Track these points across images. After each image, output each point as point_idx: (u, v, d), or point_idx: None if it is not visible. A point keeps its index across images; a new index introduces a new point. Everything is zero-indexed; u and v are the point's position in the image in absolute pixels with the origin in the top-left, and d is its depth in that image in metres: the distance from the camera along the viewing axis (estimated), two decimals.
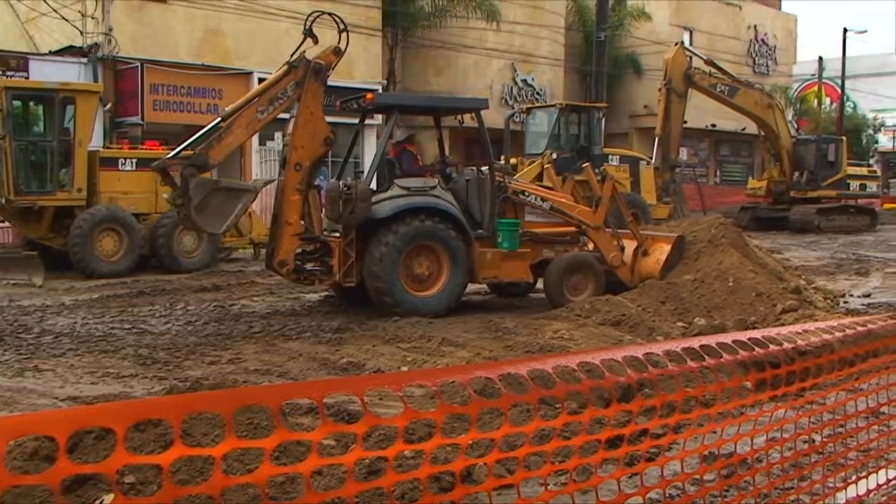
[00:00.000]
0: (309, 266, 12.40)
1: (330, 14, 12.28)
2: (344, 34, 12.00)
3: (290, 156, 11.93)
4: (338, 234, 12.14)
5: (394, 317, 11.44)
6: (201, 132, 11.83)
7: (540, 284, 13.27)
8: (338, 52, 12.12)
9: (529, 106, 28.25)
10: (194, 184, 11.25)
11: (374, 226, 11.89)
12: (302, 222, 12.02)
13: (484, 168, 13.09)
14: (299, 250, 12.22)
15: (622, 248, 13.29)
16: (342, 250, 11.95)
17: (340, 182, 12.08)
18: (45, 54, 25.40)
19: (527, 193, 13.21)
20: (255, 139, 27.35)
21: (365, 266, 11.91)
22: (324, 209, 12.52)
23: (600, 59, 34.20)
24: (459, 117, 13.76)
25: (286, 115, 12.24)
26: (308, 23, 12.07)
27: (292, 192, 11.85)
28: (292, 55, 11.91)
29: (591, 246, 13.52)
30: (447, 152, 14.40)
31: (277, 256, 11.94)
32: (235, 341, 10.18)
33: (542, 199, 13.23)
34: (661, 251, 13.40)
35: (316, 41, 12.04)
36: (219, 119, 11.87)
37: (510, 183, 13.32)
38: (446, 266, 12.24)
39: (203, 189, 11.36)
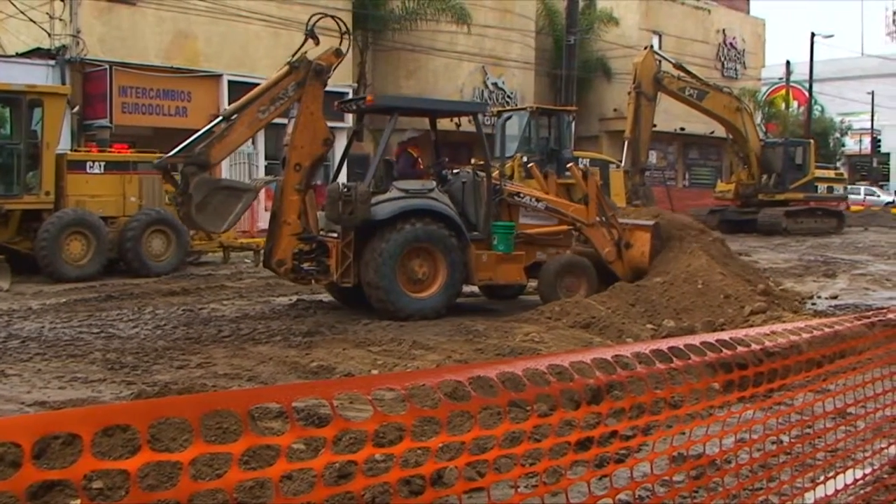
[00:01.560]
0: (305, 266, 12.41)
1: (332, 17, 12.43)
2: (345, 37, 12.28)
3: (289, 156, 12.02)
4: (335, 235, 12.22)
5: (363, 319, 11.44)
6: (202, 131, 11.92)
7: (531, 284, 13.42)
8: (339, 54, 12.31)
9: (500, 109, 28.29)
10: (195, 182, 11.30)
11: (372, 227, 11.96)
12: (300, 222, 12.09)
13: (481, 171, 13.23)
14: (296, 250, 12.25)
15: (626, 244, 13.46)
16: (340, 251, 12.01)
17: (340, 183, 12.17)
18: (12, 56, 25.19)
19: (522, 195, 13.32)
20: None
21: (363, 267, 11.97)
22: (323, 210, 12.56)
23: (570, 63, 34.37)
24: (457, 120, 13.87)
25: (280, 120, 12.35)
26: (309, 24, 12.16)
27: (291, 191, 11.97)
28: (293, 55, 12.05)
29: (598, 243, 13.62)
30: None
31: (276, 256, 12.07)
32: (204, 345, 10.13)
33: (538, 200, 13.37)
34: (644, 241, 13.59)
35: (317, 42, 12.21)
36: (219, 118, 11.94)
37: (506, 185, 13.45)
38: (443, 268, 12.30)
39: (204, 188, 11.41)
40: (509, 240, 12.78)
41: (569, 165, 14.95)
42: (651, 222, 13.89)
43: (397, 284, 11.97)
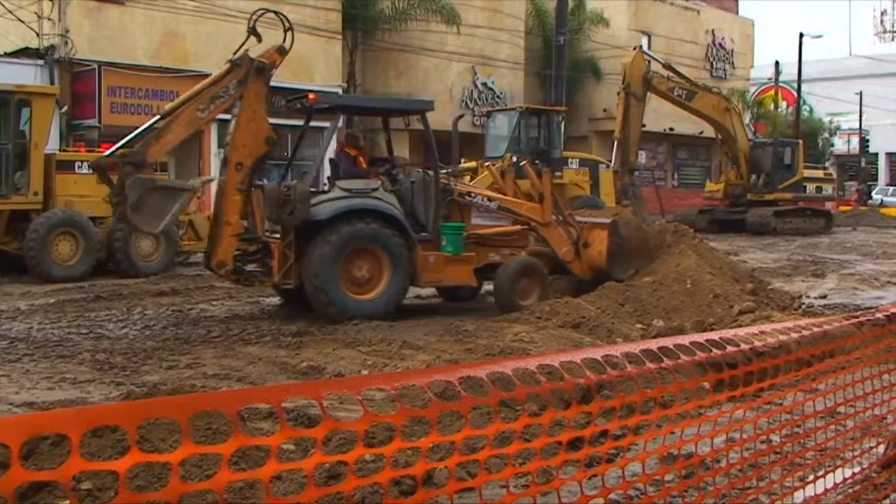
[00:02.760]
0: (249, 267, 12.23)
1: (275, 12, 12.23)
2: (289, 33, 11.98)
3: (230, 155, 11.74)
4: (279, 235, 12.00)
5: (354, 320, 11.40)
6: (139, 129, 11.69)
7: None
8: (282, 51, 12.04)
9: (490, 109, 28.32)
10: (130, 182, 11.03)
11: (313, 227, 11.73)
12: (244, 223, 11.91)
13: (431, 171, 12.89)
14: (240, 251, 12.08)
15: (584, 243, 13.24)
16: (281, 251, 11.80)
17: (280, 183, 11.98)
18: (1, 56, 25.09)
19: (473, 195, 13.04)
20: (214, 141, 27.21)
21: (303, 268, 11.75)
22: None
23: (560, 63, 34.37)
24: (406, 119, 13.75)
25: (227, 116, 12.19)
26: (252, 20, 12.00)
27: (233, 191, 11.67)
28: (235, 53, 11.81)
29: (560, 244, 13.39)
30: (402, 153, 14.34)
31: (216, 257, 11.76)
32: (194, 346, 10.11)
33: (490, 200, 13.14)
34: (601, 240, 13.34)
35: (259, 39, 11.97)
36: (158, 117, 11.72)
37: (456, 185, 13.15)
38: (387, 270, 12.03)
39: (138, 188, 11.11)
40: (458, 241, 12.52)
41: (522, 164, 14.48)
42: (608, 220, 13.70)
43: (338, 286, 11.72)
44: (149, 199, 11.17)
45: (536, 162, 23.70)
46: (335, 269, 11.69)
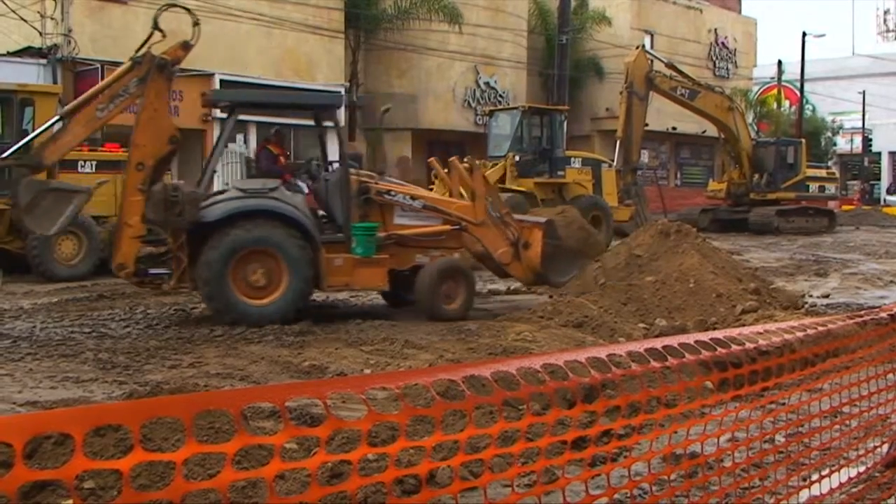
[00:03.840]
0: (154, 270, 11.77)
1: (182, 6, 12.05)
2: (196, 28, 11.81)
3: (131, 155, 11.49)
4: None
5: (356, 319, 11.38)
6: (38, 130, 11.56)
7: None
8: (186, 47, 11.79)
9: (492, 108, 28.32)
10: (23, 184, 10.93)
11: (206, 230, 11.34)
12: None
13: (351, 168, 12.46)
14: (144, 253, 11.74)
15: (524, 243, 12.35)
16: (174, 255, 11.47)
17: (166, 183, 11.54)
18: (4, 55, 25.09)
19: (393, 193, 12.23)
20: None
21: (196, 272, 11.34)
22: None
23: (562, 63, 34.36)
24: (319, 115, 13.08)
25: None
26: (157, 15, 11.76)
27: (133, 192, 11.33)
28: (137, 50, 11.58)
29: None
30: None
31: (116, 259, 11.52)
32: (197, 345, 10.10)
33: (413, 198, 12.28)
34: (535, 240, 12.59)
35: (164, 35, 11.70)
36: (57, 117, 11.57)
37: (378, 183, 12.36)
38: (285, 273, 11.41)
39: (31, 189, 10.97)
40: (368, 242, 11.80)
41: (451, 159, 13.64)
42: (542, 219, 12.94)
43: (231, 291, 11.24)
44: (42, 201, 10.97)
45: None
46: (225, 273, 11.19)
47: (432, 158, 15.27)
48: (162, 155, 11.53)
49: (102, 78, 25.05)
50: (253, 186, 11.84)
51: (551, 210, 14.37)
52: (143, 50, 11.54)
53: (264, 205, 11.51)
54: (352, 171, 12.29)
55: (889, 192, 62.15)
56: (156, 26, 11.69)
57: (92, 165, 17.91)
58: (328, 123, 13.06)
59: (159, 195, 11.23)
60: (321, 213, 12.34)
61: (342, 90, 30.60)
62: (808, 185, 33.80)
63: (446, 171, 13.49)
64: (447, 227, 12.32)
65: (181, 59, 11.83)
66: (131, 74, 11.49)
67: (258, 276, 11.38)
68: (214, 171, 12.36)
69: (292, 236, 11.45)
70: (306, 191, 12.89)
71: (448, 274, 11.99)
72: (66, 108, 11.39)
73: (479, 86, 36.48)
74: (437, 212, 12.30)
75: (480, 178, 12.47)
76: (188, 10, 11.89)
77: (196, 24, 11.80)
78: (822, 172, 36.31)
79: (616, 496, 3.50)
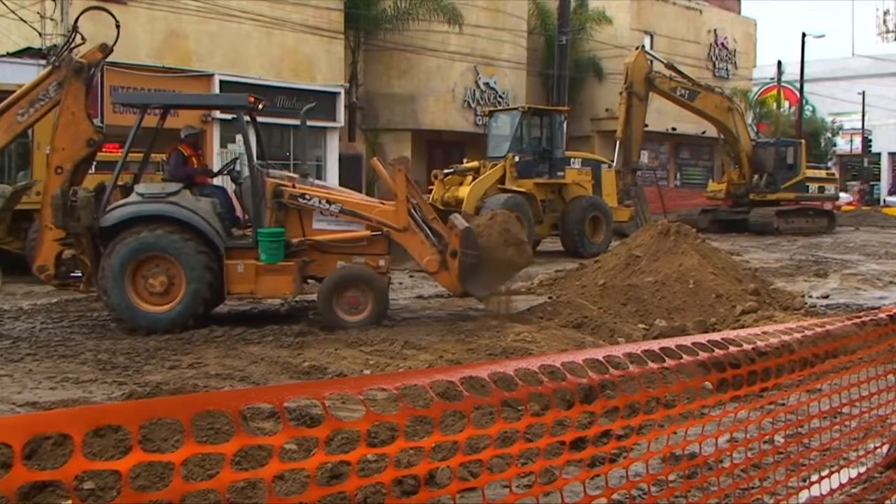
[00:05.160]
0: (74, 273, 11.78)
1: (103, 9, 12.05)
2: (118, 29, 11.89)
3: (50, 159, 11.51)
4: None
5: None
6: None
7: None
8: (104, 49, 11.78)
9: (492, 109, 28.32)
10: None
11: (105, 235, 11.30)
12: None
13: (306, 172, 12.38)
14: (69, 256, 11.73)
15: (452, 251, 11.42)
16: (78, 258, 11.47)
17: (68, 188, 11.36)
18: (3, 56, 25.09)
19: (308, 197, 11.69)
20: (217, 141, 27.26)
21: (97, 277, 11.33)
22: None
23: (562, 63, 34.37)
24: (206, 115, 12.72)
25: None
26: (77, 18, 11.80)
27: (52, 198, 11.36)
28: (59, 54, 11.63)
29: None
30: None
31: (37, 261, 11.56)
32: (196, 346, 10.10)
33: (329, 202, 11.72)
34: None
35: (83, 39, 11.75)
36: None
37: (296, 186, 11.82)
38: (182, 279, 11.20)
39: None
40: (274, 248, 11.41)
41: (372, 160, 13.08)
42: (462, 226, 11.84)
43: (127, 296, 11.13)
44: None
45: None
46: (121, 278, 11.10)
47: (374, 159, 14.55)
48: (80, 158, 11.54)
49: (101, 79, 25.13)
50: (152, 191, 11.64)
51: (482, 217, 13.20)
52: (63, 53, 11.58)
53: (160, 209, 11.33)
54: (271, 173, 11.99)
55: (890, 193, 62.22)
56: (74, 28, 11.73)
57: (92, 166, 17.87)
58: (245, 120, 12.54)
59: (58, 200, 11.20)
60: (245, 216, 12.18)
61: (342, 90, 30.71)
62: (808, 186, 33.80)
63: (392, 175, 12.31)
64: (367, 233, 11.71)
65: (100, 62, 11.83)
66: (51, 79, 11.49)
67: (158, 281, 11.26)
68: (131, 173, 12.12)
69: (188, 241, 11.23)
70: (230, 193, 12.77)
71: (349, 282, 11.45)
72: None
73: (478, 86, 36.47)
74: (355, 216, 11.71)
75: (402, 180, 11.60)
76: (110, 13, 11.84)
77: (117, 25, 11.81)
78: (822, 173, 36.31)
79: (615, 496, 3.51)
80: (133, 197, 11.46)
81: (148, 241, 11.16)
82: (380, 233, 11.66)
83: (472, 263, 11.49)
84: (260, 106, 12.36)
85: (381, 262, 11.79)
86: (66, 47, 11.60)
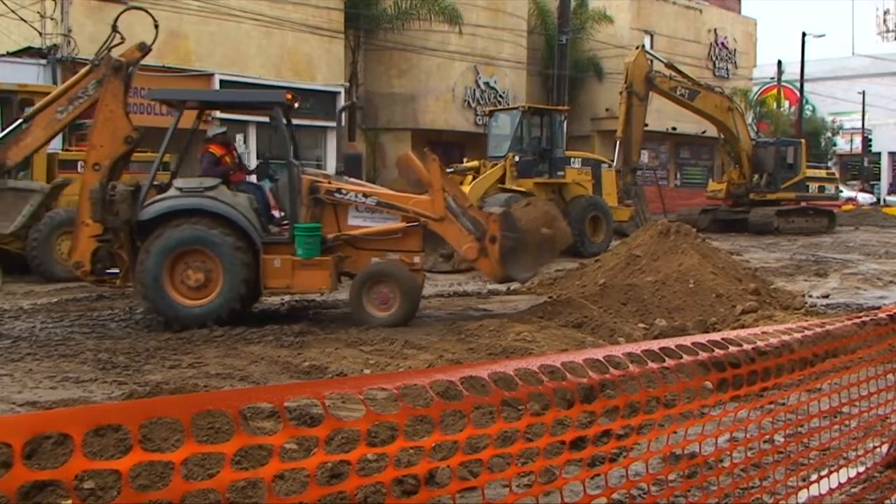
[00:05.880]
0: (111, 269, 11.83)
1: (142, 9, 12.17)
2: (156, 30, 11.98)
3: (88, 155, 11.63)
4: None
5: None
6: (4, 133, 11.73)
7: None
8: (142, 48, 11.89)
9: (492, 109, 28.33)
10: None
11: (144, 229, 11.37)
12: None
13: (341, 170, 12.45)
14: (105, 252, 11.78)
15: (491, 237, 11.30)
16: (117, 254, 11.56)
17: (107, 183, 11.48)
18: (3, 55, 25.11)
19: (343, 191, 11.72)
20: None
21: (135, 271, 11.40)
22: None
23: (562, 63, 34.38)
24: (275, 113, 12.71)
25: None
26: (116, 18, 11.93)
27: (89, 192, 11.47)
28: (98, 52, 11.75)
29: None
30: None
31: (73, 258, 11.70)
32: (196, 345, 10.10)
33: (365, 195, 11.76)
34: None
35: (123, 39, 11.85)
36: (21, 120, 11.72)
37: (331, 182, 11.90)
38: (220, 274, 11.24)
39: None
40: (311, 243, 11.44)
41: (405, 153, 13.07)
42: (499, 210, 12.04)
43: (165, 291, 11.19)
44: (0, 202, 11.20)
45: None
46: (158, 272, 11.15)
47: (407, 152, 14.12)
48: (118, 155, 11.64)
49: None
50: (190, 185, 11.65)
51: (518, 203, 13.23)
52: (102, 52, 11.68)
53: (198, 203, 11.36)
54: (307, 171, 12.07)
55: (890, 192, 62.24)
56: (114, 28, 11.83)
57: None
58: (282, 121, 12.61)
59: (96, 195, 11.29)
60: (280, 213, 12.23)
61: (342, 90, 30.70)
62: (808, 186, 33.80)
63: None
64: (402, 224, 11.68)
65: (138, 61, 11.90)
66: (90, 77, 11.67)
67: (195, 276, 11.31)
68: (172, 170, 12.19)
69: (226, 236, 11.26)
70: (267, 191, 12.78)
71: (379, 278, 11.44)
72: (30, 111, 11.52)
73: (478, 86, 36.48)
74: (392, 208, 11.70)
75: (437, 170, 11.61)
76: (148, 12, 11.93)
77: (156, 25, 11.91)
78: (822, 173, 36.30)
79: (615, 496, 3.51)
80: (171, 191, 11.54)
81: (185, 235, 11.20)
82: (416, 223, 11.63)
83: (511, 247, 11.45)
84: (296, 105, 12.48)
85: (416, 259, 11.79)
86: (105, 46, 11.70)
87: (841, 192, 41.87)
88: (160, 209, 11.30)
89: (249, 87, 25.84)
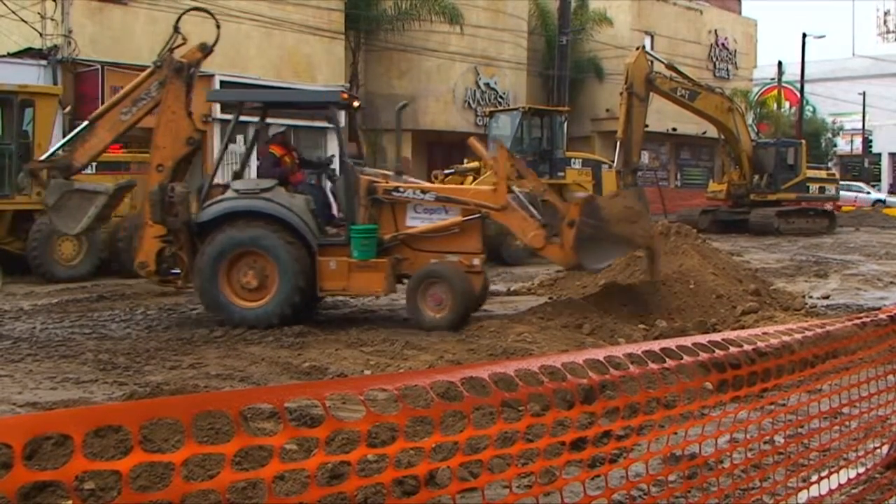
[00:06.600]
0: (174, 270, 11.94)
1: (203, 9, 12.22)
2: (217, 30, 12.04)
3: (152, 157, 11.72)
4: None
5: (356, 319, 11.35)
6: (72, 134, 11.87)
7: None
8: (204, 49, 11.99)
9: (492, 110, 28.32)
10: (51, 185, 11.40)
11: (203, 230, 11.45)
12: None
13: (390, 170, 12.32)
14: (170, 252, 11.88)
15: (570, 221, 11.09)
16: (177, 254, 11.64)
17: (168, 185, 11.53)
18: (4, 56, 25.08)
19: (401, 190, 11.61)
20: (217, 142, 27.23)
21: (192, 272, 11.48)
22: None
23: (563, 63, 34.36)
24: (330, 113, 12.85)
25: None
26: (178, 19, 12.06)
27: (150, 194, 11.57)
28: (159, 53, 11.87)
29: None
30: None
31: (138, 258, 11.78)
32: (196, 346, 10.11)
33: (423, 192, 11.68)
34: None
35: (185, 39, 11.95)
36: (87, 122, 11.83)
37: (388, 181, 11.75)
38: (275, 276, 11.22)
39: (58, 190, 11.44)
40: (367, 245, 11.30)
41: (470, 139, 12.81)
42: (583, 196, 11.82)
43: (221, 292, 11.23)
44: (68, 202, 11.37)
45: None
46: (216, 274, 11.22)
47: (471, 138, 14.19)
48: (181, 156, 11.73)
49: (102, 79, 25.16)
50: (247, 187, 11.72)
51: (608, 194, 12.99)
52: (163, 53, 11.83)
53: (253, 205, 11.38)
54: (366, 171, 12.00)
55: (890, 192, 62.21)
56: (176, 29, 11.96)
57: (92, 167, 17.87)
58: (333, 123, 12.84)
59: (156, 196, 11.39)
60: (340, 214, 12.20)
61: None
62: (809, 186, 33.79)
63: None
64: (459, 219, 11.47)
65: (200, 62, 12.02)
66: (153, 78, 11.79)
67: (250, 277, 11.30)
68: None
69: (282, 238, 11.24)
70: (328, 191, 12.80)
71: (433, 278, 11.24)
72: (95, 112, 11.74)
73: (479, 87, 36.46)
74: (451, 202, 11.50)
75: (504, 158, 11.40)
76: (210, 13, 12.03)
77: (217, 26, 12.04)
78: (823, 173, 36.29)
79: (615, 497, 3.50)
80: (229, 193, 11.62)
81: (240, 237, 11.24)
82: (477, 216, 11.44)
83: (590, 234, 11.15)
84: (355, 104, 12.54)
85: (475, 262, 11.52)
86: (167, 47, 11.83)
87: (868, 192, 41.97)
88: (217, 211, 11.40)
89: (249, 88, 25.82)
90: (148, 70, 11.79)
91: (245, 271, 11.31)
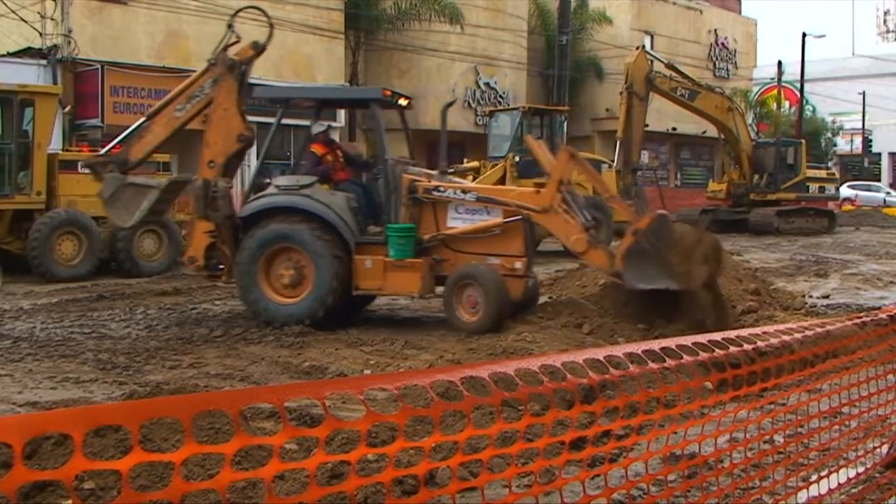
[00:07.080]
0: (221, 265, 12.05)
1: (258, 7, 12.30)
2: (270, 29, 12.13)
3: (203, 153, 11.79)
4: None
5: (356, 319, 11.37)
6: (130, 129, 11.99)
7: None
8: (256, 47, 12.01)
9: (492, 109, 28.32)
10: (107, 179, 11.62)
11: (245, 226, 11.55)
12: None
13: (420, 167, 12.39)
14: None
15: (636, 229, 10.66)
16: (220, 249, 11.78)
17: (210, 180, 11.57)
18: (4, 56, 25.09)
19: (442, 189, 11.49)
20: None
21: (234, 266, 11.58)
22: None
23: (562, 63, 34.36)
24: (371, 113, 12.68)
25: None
26: (232, 17, 12.14)
27: (194, 189, 11.71)
28: (214, 51, 11.95)
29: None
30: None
31: (187, 252, 12.03)
32: (196, 345, 10.11)
33: (464, 192, 11.58)
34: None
35: (238, 38, 12.01)
36: (145, 117, 11.98)
37: (430, 181, 11.65)
38: (311, 272, 11.19)
39: (113, 184, 11.67)
40: (403, 244, 11.18)
41: (527, 136, 12.73)
42: (658, 211, 11.33)
43: (258, 287, 11.28)
44: (122, 196, 11.57)
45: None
46: (253, 268, 11.29)
47: (528, 136, 13.71)
48: (232, 152, 11.82)
49: (102, 78, 25.17)
50: (287, 183, 11.74)
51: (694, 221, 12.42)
52: (217, 51, 11.90)
53: (292, 202, 11.41)
54: (409, 170, 11.92)
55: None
56: (230, 27, 12.06)
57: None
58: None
59: (199, 191, 11.52)
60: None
61: None
62: (808, 186, 33.78)
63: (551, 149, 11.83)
64: (499, 220, 11.24)
65: (252, 60, 12.05)
66: (207, 75, 11.88)
67: (288, 273, 11.34)
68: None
69: (319, 235, 11.21)
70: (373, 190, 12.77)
71: (467, 280, 10.96)
72: (151, 109, 11.96)
73: (479, 86, 36.46)
74: (492, 203, 11.28)
75: (564, 160, 11.14)
76: (264, 11, 12.11)
77: (271, 25, 12.17)
78: (822, 173, 36.29)
79: (614, 496, 3.51)
80: (270, 189, 11.71)
81: (277, 232, 11.31)
82: (519, 217, 11.19)
83: (645, 250, 10.57)
84: (402, 102, 12.61)
85: (517, 265, 11.22)
86: (221, 45, 11.91)
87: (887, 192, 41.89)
88: (257, 206, 11.52)
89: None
90: (203, 68, 11.95)
91: (283, 267, 11.38)
